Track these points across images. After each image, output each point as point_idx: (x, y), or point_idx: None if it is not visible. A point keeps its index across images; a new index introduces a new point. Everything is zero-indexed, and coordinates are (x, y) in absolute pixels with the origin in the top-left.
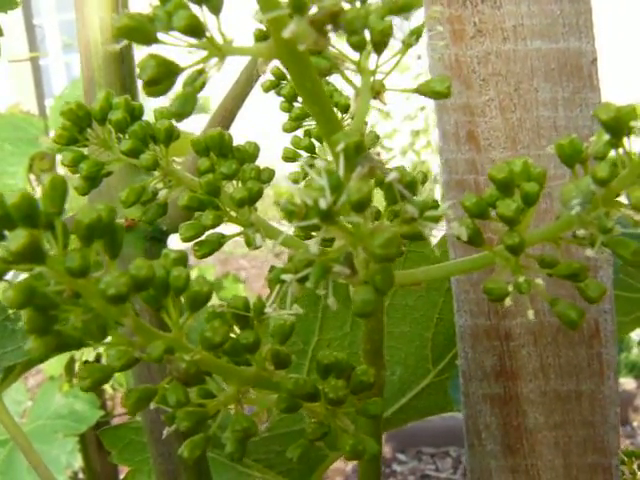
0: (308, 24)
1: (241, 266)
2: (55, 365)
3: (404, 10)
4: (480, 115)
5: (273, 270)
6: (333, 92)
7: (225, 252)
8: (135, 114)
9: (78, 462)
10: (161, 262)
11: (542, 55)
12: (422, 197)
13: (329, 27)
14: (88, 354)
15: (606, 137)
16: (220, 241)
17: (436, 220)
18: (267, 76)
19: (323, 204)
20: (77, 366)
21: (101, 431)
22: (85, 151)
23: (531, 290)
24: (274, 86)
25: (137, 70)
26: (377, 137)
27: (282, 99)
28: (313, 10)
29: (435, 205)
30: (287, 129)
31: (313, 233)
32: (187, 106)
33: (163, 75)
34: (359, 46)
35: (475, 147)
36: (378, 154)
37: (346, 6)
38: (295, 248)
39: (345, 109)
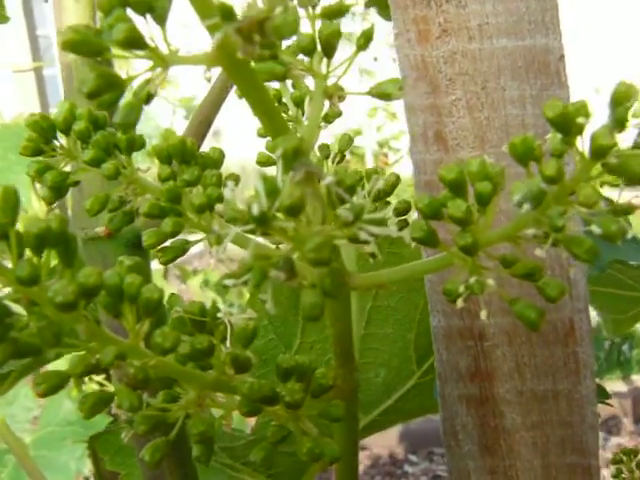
0: (235, 32)
1: None
2: None
3: (338, 15)
4: (447, 115)
5: (221, 276)
6: (305, 96)
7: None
8: (99, 124)
9: (87, 468)
10: (116, 269)
11: (508, 53)
12: (359, 201)
13: (256, 35)
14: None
15: (559, 135)
16: (184, 247)
17: (377, 223)
18: None
19: (255, 209)
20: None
21: (92, 437)
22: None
23: (487, 290)
24: None
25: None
26: (351, 140)
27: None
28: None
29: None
30: (262, 134)
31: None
32: (131, 116)
33: (104, 87)
34: (308, 51)
35: (443, 147)
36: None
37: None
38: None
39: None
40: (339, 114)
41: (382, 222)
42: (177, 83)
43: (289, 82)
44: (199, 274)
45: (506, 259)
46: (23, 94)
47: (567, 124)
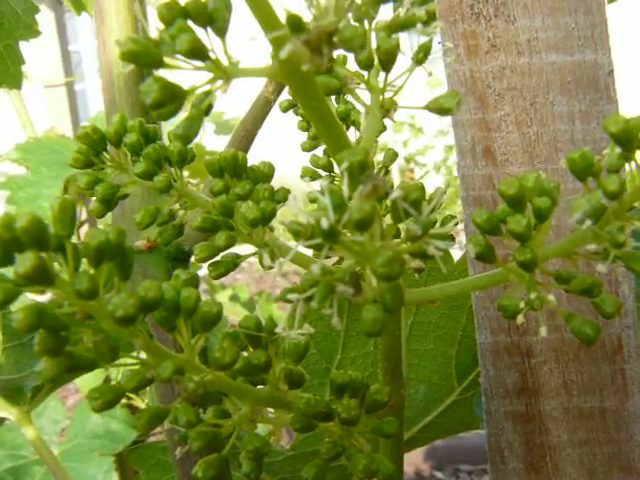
0: (303, 44)
1: (276, 284)
2: (92, 384)
3: (406, 27)
4: (496, 130)
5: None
6: (351, 111)
7: (260, 270)
8: (150, 137)
9: None
10: (172, 283)
11: (557, 68)
12: (427, 215)
13: (325, 47)
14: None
15: (618, 150)
16: (235, 262)
17: (442, 238)
18: (285, 96)
19: (325, 223)
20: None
21: (128, 451)
22: (103, 174)
23: (544, 306)
24: (292, 106)
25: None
26: (395, 154)
27: (300, 119)
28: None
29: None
30: (306, 148)
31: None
32: (193, 128)
33: (167, 98)
34: (366, 65)
35: (492, 162)
36: (386, 172)
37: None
38: (305, 268)
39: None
40: (384, 129)
41: (445, 237)
42: None
43: (332, 97)
44: (227, 289)
45: (561, 275)
46: (54, 109)
47: (629, 139)
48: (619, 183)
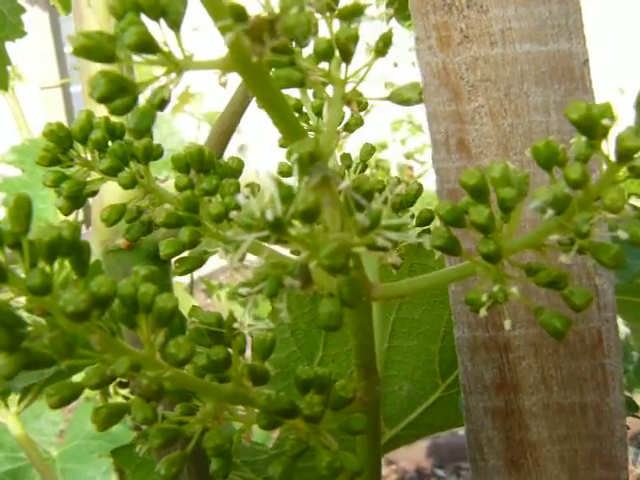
0: (245, 33)
1: None
2: None
3: (354, 15)
4: (470, 122)
5: (235, 285)
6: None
7: None
8: (116, 133)
9: None
10: (130, 279)
11: (532, 58)
12: (377, 206)
13: (267, 35)
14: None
15: (584, 138)
16: (202, 257)
17: (395, 229)
18: None
19: (269, 215)
20: (112, 388)
21: (113, 450)
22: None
23: (511, 299)
24: None
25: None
26: (373, 149)
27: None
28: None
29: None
30: (282, 144)
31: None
32: (144, 122)
33: (115, 92)
34: (324, 55)
35: (466, 155)
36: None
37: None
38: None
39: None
40: (361, 123)
41: (402, 229)
42: (201, 97)
43: (310, 92)
44: (225, 288)
45: (531, 268)
46: (50, 110)
47: (592, 126)
48: (582, 172)
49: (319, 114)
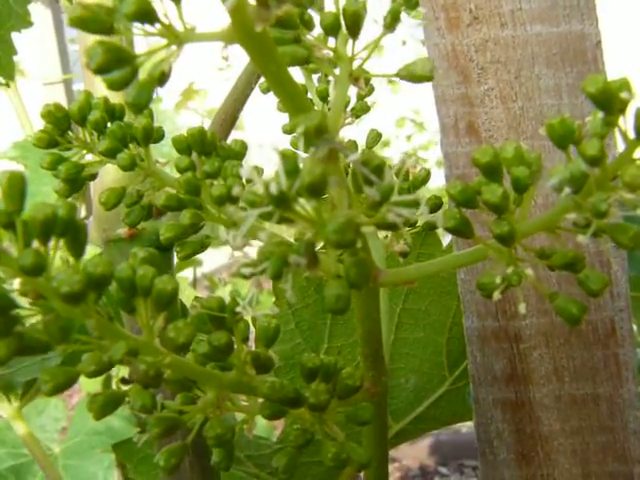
0: None
1: None
2: (93, 382)
3: None
4: (480, 105)
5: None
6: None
7: None
8: (115, 114)
9: (115, 478)
10: (128, 262)
11: (543, 40)
12: (388, 181)
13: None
14: (125, 371)
15: (601, 115)
16: (204, 242)
17: (406, 205)
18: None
19: (274, 188)
20: (114, 383)
21: (115, 445)
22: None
23: (525, 285)
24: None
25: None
26: (379, 135)
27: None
28: None
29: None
30: (287, 131)
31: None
32: (143, 96)
33: (112, 62)
34: (332, 29)
35: (476, 139)
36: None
37: None
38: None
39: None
40: (367, 109)
41: (413, 206)
42: (205, 94)
43: (315, 77)
44: (228, 284)
45: (544, 251)
46: None
47: (609, 100)
48: (599, 147)
49: (324, 99)
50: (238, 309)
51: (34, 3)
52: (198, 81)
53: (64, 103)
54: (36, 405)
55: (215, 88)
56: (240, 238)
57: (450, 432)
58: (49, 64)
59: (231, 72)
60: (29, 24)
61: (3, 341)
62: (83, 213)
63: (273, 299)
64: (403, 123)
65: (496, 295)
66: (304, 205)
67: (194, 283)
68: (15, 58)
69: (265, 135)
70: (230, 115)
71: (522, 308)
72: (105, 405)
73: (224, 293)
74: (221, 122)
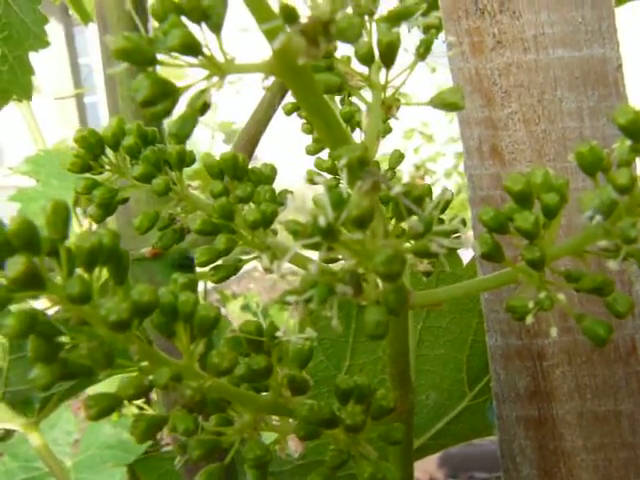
0: (298, 34)
1: None
2: None
3: (403, 18)
4: (503, 128)
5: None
6: (355, 112)
7: (272, 279)
8: (148, 139)
9: None
10: (169, 287)
11: (565, 64)
12: (429, 212)
13: (321, 37)
14: None
15: (628, 143)
16: (237, 266)
17: (446, 235)
18: (289, 99)
19: (322, 221)
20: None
21: (135, 462)
22: (103, 179)
23: (554, 307)
24: (295, 109)
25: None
26: (402, 156)
27: (304, 121)
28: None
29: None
30: (310, 151)
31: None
32: (186, 127)
33: (158, 95)
34: (367, 60)
35: (499, 162)
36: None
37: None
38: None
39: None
40: (389, 130)
41: (449, 235)
42: (216, 107)
43: (338, 99)
44: (239, 298)
45: (571, 274)
46: (64, 121)
47: (638, 130)
48: (629, 176)
49: (348, 121)
50: (278, 334)
51: None
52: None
53: (75, 117)
54: (49, 419)
55: (226, 102)
56: (283, 267)
57: (460, 444)
58: (61, 79)
59: (242, 85)
60: (46, 44)
61: (48, 367)
62: (95, 227)
63: (284, 313)
64: (411, 135)
65: (529, 319)
66: (345, 234)
67: (205, 296)
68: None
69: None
70: (253, 137)
71: (553, 332)
72: (148, 429)
73: (235, 307)
74: (244, 144)
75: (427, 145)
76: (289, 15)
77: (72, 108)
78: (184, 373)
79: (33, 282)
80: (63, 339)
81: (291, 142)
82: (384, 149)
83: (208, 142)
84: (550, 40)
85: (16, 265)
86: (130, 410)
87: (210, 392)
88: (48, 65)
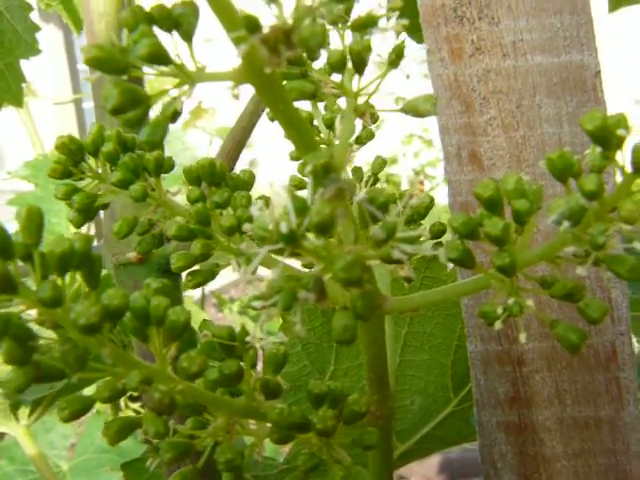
0: (260, 43)
1: None
2: None
3: (366, 27)
4: (482, 134)
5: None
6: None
7: None
8: (127, 146)
9: None
10: (142, 292)
11: (543, 70)
12: (392, 218)
13: (282, 46)
14: None
15: (599, 149)
16: (214, 270)
17: (410, 242)
18: None
19: (284, 227)
20: (122, 401)
21: (123, 465)
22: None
23: (526, 312)
24: None
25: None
26: (384, 162)
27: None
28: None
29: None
30: (293, 157)
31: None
32: (157, 134)
33: (128, 104)
34: (338, 67)
35: (478, 167)
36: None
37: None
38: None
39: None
40: (372, 136)
41: (416, 241)
42: (213, 112)
43: (321, 105)
44: (236, 302)
45: (545, 280)
46: (63, 126)
47: (607, 137)
48: (597, 183)
49: (330, 127)
50: (248, 338)
51: (46, 24)
52: (206, 99)
53: (74, 122)
54: (44, 422)
55: (223, 106)
56: (250, 272)
57: (459, 450)
58: (60, 84)
59: (239, 91)
60: (37, 52)
61: (21, 370)
62: (93, 231)
63: (281, 317)
64: (411, 140)
65: (497, 324)
66: (312, 240)
67: (202, 301)
68: (26, 79)
69: (273, 154)
70: (238, 142)
71: (522, 337)
72: (120, 431)
73: (232, 311)
74: (229, 149)
75: (427, 150)
76: (251, 24)
77: (71, 113)
78: (156, 377)
79: (6, 286)
80: (37, 342)
81: (291, 142)
82: (384, 154)
83: (205, 147)
84: (529, 46)
85: None
86: (127, 413)
87: (183, 396)
88: (47, 71)
